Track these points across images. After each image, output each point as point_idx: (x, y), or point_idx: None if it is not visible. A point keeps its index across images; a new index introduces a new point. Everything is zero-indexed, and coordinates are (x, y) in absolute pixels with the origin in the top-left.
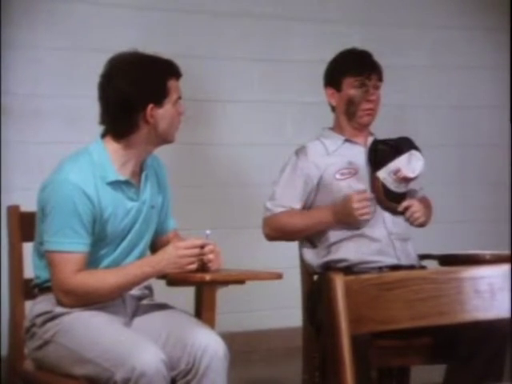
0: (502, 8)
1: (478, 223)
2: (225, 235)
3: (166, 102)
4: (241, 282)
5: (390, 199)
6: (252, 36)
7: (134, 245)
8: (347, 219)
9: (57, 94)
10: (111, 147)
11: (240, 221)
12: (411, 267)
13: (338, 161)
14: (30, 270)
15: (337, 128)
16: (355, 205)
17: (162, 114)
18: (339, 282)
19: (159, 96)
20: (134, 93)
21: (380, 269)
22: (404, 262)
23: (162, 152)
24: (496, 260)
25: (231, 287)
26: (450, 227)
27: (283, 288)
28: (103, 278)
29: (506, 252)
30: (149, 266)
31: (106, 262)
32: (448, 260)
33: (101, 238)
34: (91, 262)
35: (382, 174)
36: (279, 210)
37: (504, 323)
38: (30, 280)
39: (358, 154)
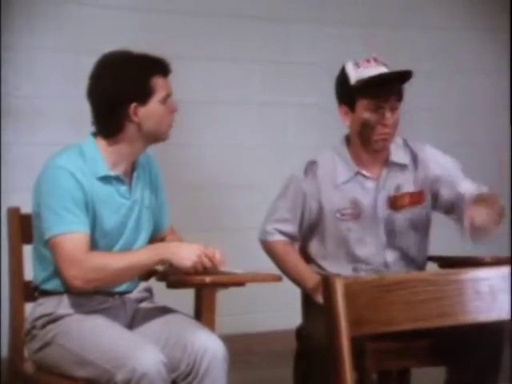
0: (502, 7)
1: None
2: (225, 236)
3: (150, 100)
4: (241, 284)
5: None
6: (252, 38)
7: (130, 245)
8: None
9: (57, 96)
10: (102, 145)
11: (241, 222)
12: None
13: (341, 198)
14: (30, 272)
15: (351, 148)
16: None
17: (147, 112)
18: (339, 283)
19: (142, 94)
20: (116, 92)
21: None
22: None
23: (161, 152)
24: (496, 263)
25: (231, 289)
26: (449, 229)
27: (283, 290)
28: (113, 256)
29: (506, 256)
30: (158, 251)
31: None
32: (448, 262)
33: (92, 234)
34: None
35: None
36: (279, 238)
37: (501, 325)
38: (31, 282)
39: (366, 192)
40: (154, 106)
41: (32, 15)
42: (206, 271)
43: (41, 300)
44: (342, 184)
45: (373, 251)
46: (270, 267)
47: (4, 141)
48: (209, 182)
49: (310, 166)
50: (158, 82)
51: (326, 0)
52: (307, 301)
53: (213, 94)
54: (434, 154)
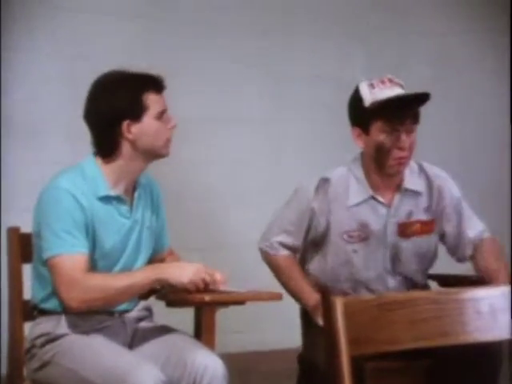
0: (502, 10)
1: None
2: (226, 253)
3: (144, 116)
4: (241, 302)
5: None
6: (251, 51)
7: (130, 265)
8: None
9: (58, 114)
10: (102, 165)
11: (242, 238)
12: None
13: (351, 220)
14: (30, 291)
15: (365, 170)
16: None
17: (141, 128)
18: (339, 302)
19: (134, 111)
20: (109, 111)
21: None
22: None
23: (158, 169)
24: None
25: (233, 307)
26: None
27: (285, 308)
28: (111, 277)
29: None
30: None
31: None
32: (448, 281)
33: (92, 255)
34: None
35: None
36: (282, 252)
37: (499, 344)
38: (30, 301)
39: (376, 217)
40: (147, 122)
41: (32, 16)
42: (206, 289)
43: (39, 319)
44: (354, 206)
45: (375, 275)
46: (268, 283)
47: (3, 159)
48: (205, 197)
49: (322, 184)
50: (150, 98)
51: (325, 11)
52: (306, 322)
53: (210, 110)
54: (450, 185)
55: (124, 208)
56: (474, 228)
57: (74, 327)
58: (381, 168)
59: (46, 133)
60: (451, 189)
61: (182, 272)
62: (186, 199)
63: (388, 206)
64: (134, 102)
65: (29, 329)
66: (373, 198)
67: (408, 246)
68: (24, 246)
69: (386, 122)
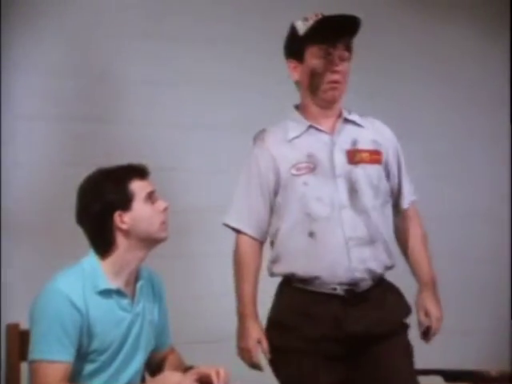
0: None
1: (478, 335)
2: (228, 345)
3: (133, 203)
4: None
5: None
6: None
7: (128, 361)
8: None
9: (59, 207)
10: (102, 260)
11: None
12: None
13: (296, 152)
14: None
15: (302, 107)
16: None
17: (133, 216)
18: None
19: (123, 201)
20: (99, 206)
21: (334, 289)
22: (360, 274)
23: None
24: (500, 377)
25: None
26: (453, 340)
27: None
28: None
29: (509, 369)
30: None
31: (99, 379)
32: (453, 376)
33: (91, 351)
34: (83, 378)
35: None
36: (241, 228)
37: None
38: None
39: (320, 145)
40: (138, 207)
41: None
42: None
43: None
44: (295, 139)
45: (330, 209)
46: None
47: (4, 254)
48: (204, 289)
49: (258, 134)
50: (135, 184)
51: None
52: None
53: (209, 200)
54: (389, 130)
55: (125, 301)
56: (408, 185)
57: None
58: (315, 94)
59: (47, 226)
60: (391, 133)
61: None
62: (186, 291)
63: (330, 133)
64: (120, 191)
65: None
66: (312, 127)
67: (360, 173)
68: (24, 343)
69: (319, 46)
